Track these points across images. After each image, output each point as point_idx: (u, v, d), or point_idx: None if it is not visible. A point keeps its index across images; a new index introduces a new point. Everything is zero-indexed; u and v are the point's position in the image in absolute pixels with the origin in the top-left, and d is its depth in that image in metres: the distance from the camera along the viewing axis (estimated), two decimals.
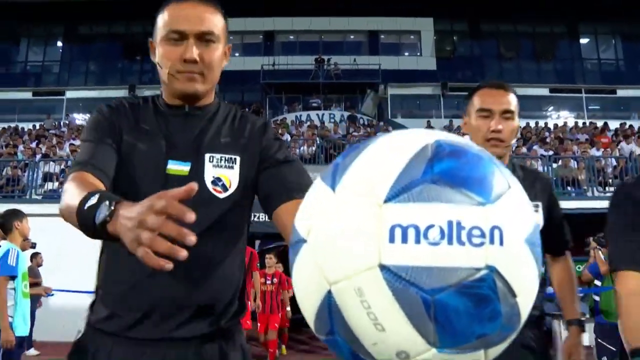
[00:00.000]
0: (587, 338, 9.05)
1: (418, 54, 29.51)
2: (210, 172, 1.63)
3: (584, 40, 29.94)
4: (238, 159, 1.67)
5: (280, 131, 21.09)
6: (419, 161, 0.97)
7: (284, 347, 9.61)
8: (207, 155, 1.64)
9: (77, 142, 18.92)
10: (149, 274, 1.37)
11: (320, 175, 1.09)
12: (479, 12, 28.56)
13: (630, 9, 26.27)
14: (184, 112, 1.69)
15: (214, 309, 1.63)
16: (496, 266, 0.92)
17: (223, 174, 1.65)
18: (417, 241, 0.91)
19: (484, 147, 1.87)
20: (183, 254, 1.01)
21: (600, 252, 5.94)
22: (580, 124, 23.16)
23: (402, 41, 30.00)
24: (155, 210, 1.02)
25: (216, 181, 1.63)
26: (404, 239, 0.91)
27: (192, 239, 1.01)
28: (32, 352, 10.63)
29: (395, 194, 0.94)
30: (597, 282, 5.89)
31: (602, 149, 17.28)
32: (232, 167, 1.66)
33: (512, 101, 2.39)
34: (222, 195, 1.63)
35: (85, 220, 1.21)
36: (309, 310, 1.03)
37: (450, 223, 0.91)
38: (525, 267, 0.97)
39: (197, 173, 1.61)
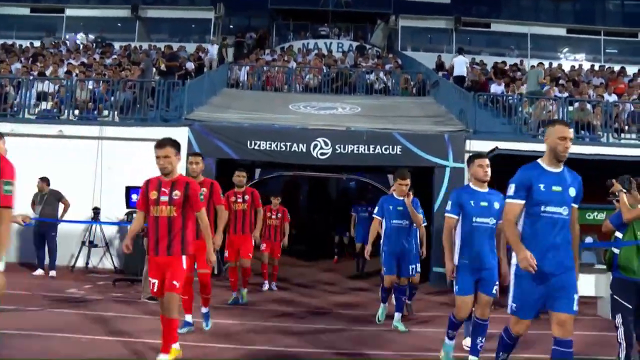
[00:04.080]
0: (594, 289, 8.81)
1: None
2: None
3: None
4: None
5: (286, 58, 20.43)
6: None
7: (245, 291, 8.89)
8: None
9: (75, 62, 18.23)
10: None
11: None
12: None
13: None
14: None
15: None
16: None
17: None
18: None
19: None
20: None
21: (625, 196, 5.37)
22: (596, 67, 22.35)
23: None
24: None
25: None
26: None
27: None
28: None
29: None
30: (618, 235, 5.41)
31: (616, 95, 16.72)
32: None
33: None
34: None
35: None
36: None
37: None
38: None
39: None
